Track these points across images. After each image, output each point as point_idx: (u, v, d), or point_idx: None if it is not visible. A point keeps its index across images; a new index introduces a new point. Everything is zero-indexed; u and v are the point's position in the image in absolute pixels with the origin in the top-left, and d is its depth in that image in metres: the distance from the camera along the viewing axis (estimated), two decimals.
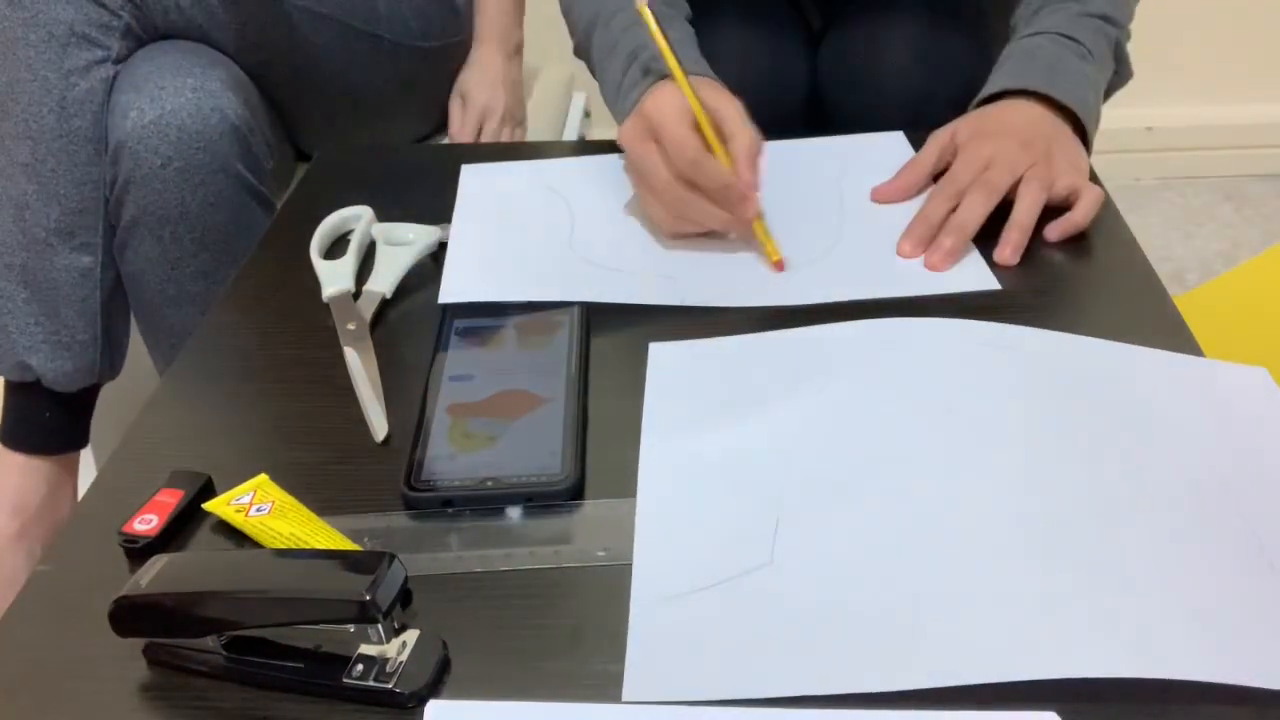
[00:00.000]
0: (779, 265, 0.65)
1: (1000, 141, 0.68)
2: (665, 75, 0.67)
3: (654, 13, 0.66)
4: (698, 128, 0.64)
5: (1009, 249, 0.65)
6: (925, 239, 0.66)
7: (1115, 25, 0.75)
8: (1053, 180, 0.67)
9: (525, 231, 0.71)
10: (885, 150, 0.77)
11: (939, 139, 0.72)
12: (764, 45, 0.86)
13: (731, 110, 0.66)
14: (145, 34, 0.85)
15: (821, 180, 0.75)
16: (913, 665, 0.41)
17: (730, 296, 0.64)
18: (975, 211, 0.66)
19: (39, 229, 0.83)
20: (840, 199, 0.73)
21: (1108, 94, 0.76)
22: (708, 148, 0.64)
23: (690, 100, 0.64)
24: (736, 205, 0.64)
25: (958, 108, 0.75)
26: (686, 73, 0.66)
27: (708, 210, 0.65)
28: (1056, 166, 0.68)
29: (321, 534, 0.48)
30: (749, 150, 0.65)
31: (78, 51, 0.81)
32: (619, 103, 0.72)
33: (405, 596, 0.42)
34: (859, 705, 0.40)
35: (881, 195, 0.72)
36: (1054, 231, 0.67)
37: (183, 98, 0.81)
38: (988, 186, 0.66)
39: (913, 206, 0.70)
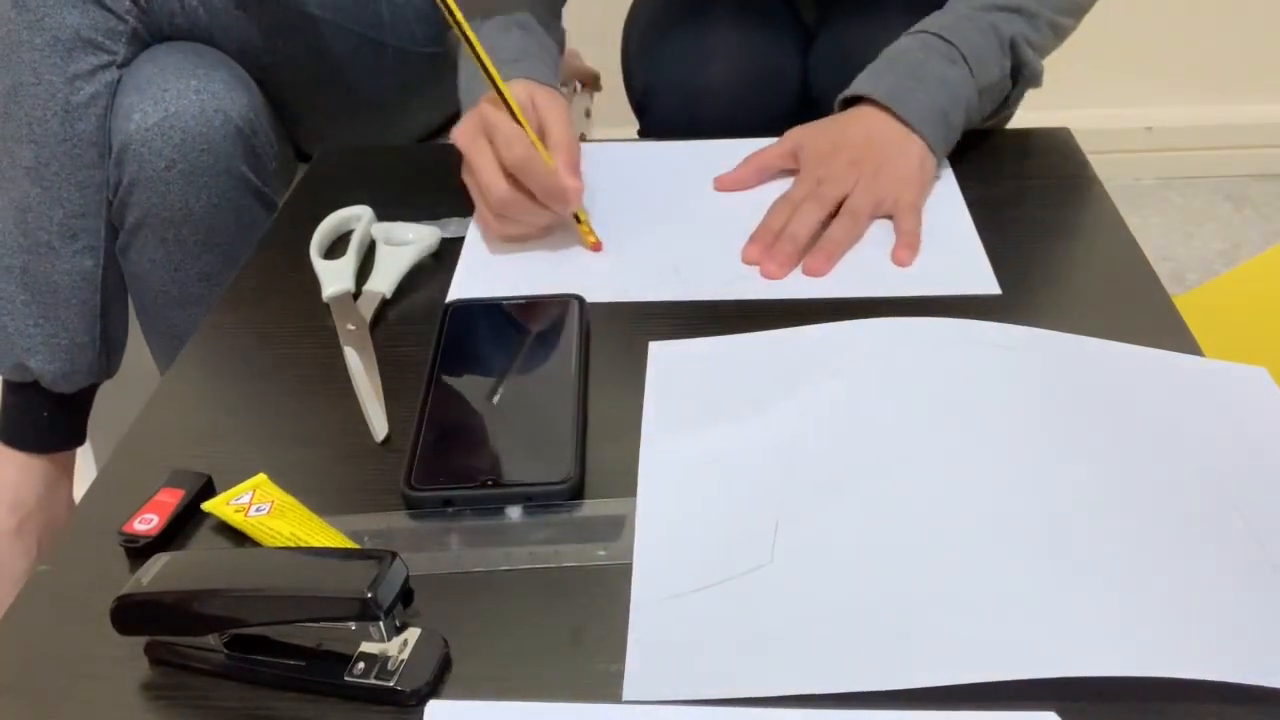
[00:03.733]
0: (596, 246, 0.68)
1: (833, 157, 0.70)
2: (512, 78, 0.68)
3: (514, 22, 0.71)
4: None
5: (820, 261, 0.66)
6: (767, 246, 0.67)
7: (1025, 16, 0.73)
8: (878, 200, 0.68)
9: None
10: None
11: (788, 142, 0.73)
12: (756, 44, 0.87)
13: (558, 116, 0.67)
14: (151, 38, 0.85)
15: None
16: (913, 665, 0.41)
17: (734, 290, 0.64)
18: (805, 222, 0.67)
19: (41, 231, 0.84)
20: None
21: (1013, 93, 0.75)
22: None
23: (509, 99, 0.65)
24: (556, 202, 0.66)
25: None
26: (527, 78, 0.68)
27: (531, 209, 0.66)
28: (880, 184, 0.69)
29: (321, 534, 0.48)
30: (569, 156, 0.66)
31: (83, 56, 0.81)
32: (466, 98, 0.73)
33: (407, 595, 0.42)
34: (859, 705, 0.40)
35: (722, 183, 0.74)
36: (903, 256, 0.67)
37: (186, 99, 0.81)
38: (819, 200, 0.68)
39: (935, 207, 0.71)
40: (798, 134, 0.74)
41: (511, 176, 0.65)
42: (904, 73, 0.72)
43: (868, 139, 0.71)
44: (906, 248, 0.67)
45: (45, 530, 0.87)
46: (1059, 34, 0.76)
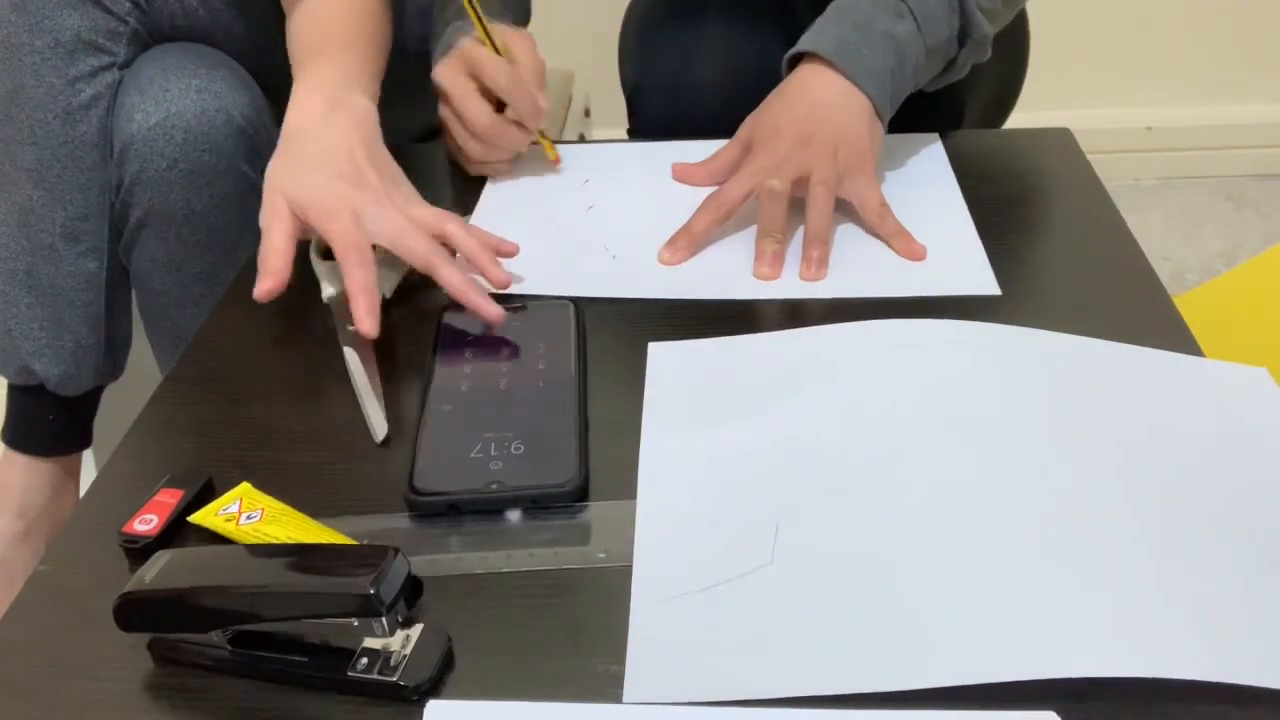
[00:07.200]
0: (556, 160, 0.76)
1: (778, 139, 0.68)
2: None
3: None
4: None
5: (813, 267, 0.65)
6: (687, 249, 0.67)
7: None
8: (838, 181, 0.67)
9: (541, 224, 0.72)
10: (916, 152, 0.77)
11: (741, 134, 0.72)
12: (747, 42, 0.86)
13: (525, 47, 0.74)
14: (151, 39, 0.85)
15: None
16: (913, 665, 0.41)
17: (733, 290, 0.64)
18: (776, 219, 0.66)
19: (44, 234, 0.84)
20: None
21: (959, 56, 0.73)
22: None
23: (492, 34, 0.72)
24: (536, 119, 0.73)
25: (942, 108, 0.75)
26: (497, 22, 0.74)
27: (511, 134, 0.73)
28: (834, 167, 0.67)
29: (318, 536, 0.48)
30: (539, 80, 0.73)
31: (84, 58, 0.81)
32: (438, 42, 0.77)
33: (415, 591, 0.42)
34: (859, 705, 0.40)
35: (677, 172, 0.76)
36: (913, 249, 0.66)
37: (188, 99, 0.81)
38: (773, 197, 0.66)
39: (935, 208, 0.70)
40: (747, 123, 0.73)
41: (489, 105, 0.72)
42: (850, 28, 0.70)
43: (812, 110, 0.69)
44: (907, 241, 0.66)
45: (53, 534, 0.87)
46: (1010, 1, 0.75)
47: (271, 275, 0.61)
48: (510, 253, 0.66)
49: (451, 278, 0.61)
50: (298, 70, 0.74)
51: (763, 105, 0.72)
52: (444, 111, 0.76)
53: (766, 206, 0.66)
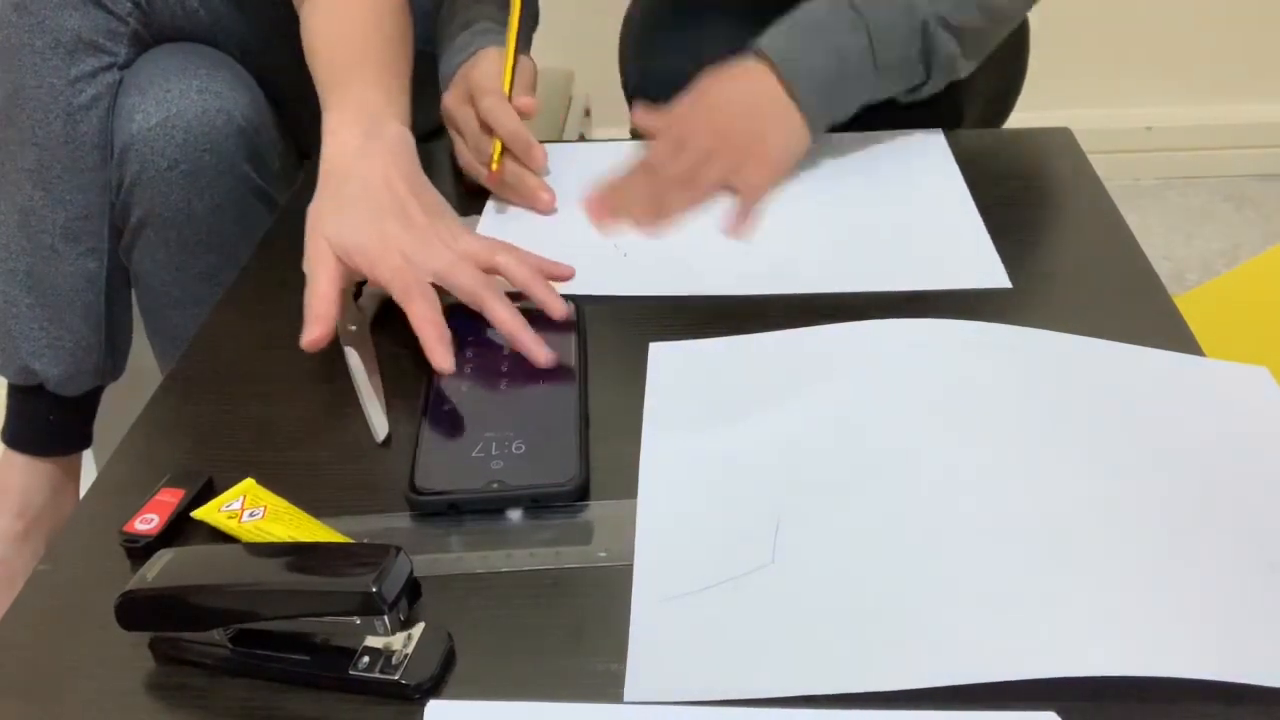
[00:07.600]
0: (493, 178, 0.73)
1: (704, 123, 0.72)
2: (485, 47, 0.77)
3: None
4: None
5: (646, 218, 0.71)
6: (614, 209, 0.71)
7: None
8: (725, 179, 0.71)
9: (547, 222, 0.73)
10: (919, 147, 0.78)
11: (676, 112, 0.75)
12: (749, 40, 0.87)
13: (523, 78, 0.77)
14: (152, 39, 0.85)
15: (846, 173, 0.75)
16: (913, 665, 0.41)
17: (743, 285, 0.65)
18: (674, 206, 0.71)
19: (45, 234, 0.84)
20: (862, 192, 0.73)
21: (933, 75, 0.74)
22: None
23: (507, 74, 0.75)
24: (529, 162, 0.74)
25: (942, 108, 0.75)
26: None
27: (529, 179, 0.74)
28: (737, 165, 0.71)
29: (320, 535, 0.48)
30: (527, 111, 0.75)
31: (85, 58, 0.81)
32: (446, 53, 0.81)
33: (415, 591, 0.42)
34: (859, 705, 0.40)
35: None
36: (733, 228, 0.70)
37: (188, 99, 0.81)
38: (689, 183, 0.71)
39: (940, 202, 0.71)
40: (694, 90, 0.74)
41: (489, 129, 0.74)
42: (801, 35, 0.72)
43: (745, 107, 0.72)
44: (737, 221, 0.69)
45: (53, 534, 0.87)
46: (995, 17, 0.74)
47: (320, 321, 0.58)
48: (565, 276, 0.63)
49: (502, 316, 0.58)
50: (326, 93, 0.71)
51: (710, 78, 0.74)
52: (455, 138, 0.77)
53: (674, 194, 0.71)
